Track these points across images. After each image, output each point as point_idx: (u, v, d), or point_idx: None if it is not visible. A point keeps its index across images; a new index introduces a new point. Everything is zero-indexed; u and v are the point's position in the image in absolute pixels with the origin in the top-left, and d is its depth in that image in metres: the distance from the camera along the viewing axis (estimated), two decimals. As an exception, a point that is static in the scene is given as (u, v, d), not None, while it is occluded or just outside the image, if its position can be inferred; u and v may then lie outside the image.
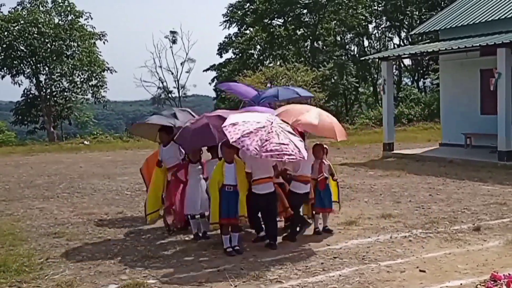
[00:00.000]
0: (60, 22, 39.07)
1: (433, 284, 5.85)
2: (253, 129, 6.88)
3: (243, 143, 6.74)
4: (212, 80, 51.31)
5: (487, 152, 16.32)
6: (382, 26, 49.23)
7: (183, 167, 8.09)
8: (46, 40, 37.44)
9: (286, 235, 7.86)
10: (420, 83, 46.91)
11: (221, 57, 50.16)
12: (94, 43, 40.21)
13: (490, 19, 17.61)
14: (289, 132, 7.17)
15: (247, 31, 48.86)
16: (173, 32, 51.98)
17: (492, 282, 5.62)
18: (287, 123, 7.58)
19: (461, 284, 5.82)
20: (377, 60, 27.79)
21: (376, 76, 46.27)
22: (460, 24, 18.66)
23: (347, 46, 50.73)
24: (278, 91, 10.00)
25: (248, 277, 6.19)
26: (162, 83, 52.59)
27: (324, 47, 47.02)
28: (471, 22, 18.22)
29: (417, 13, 44.88)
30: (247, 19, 46.76)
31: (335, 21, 45.86)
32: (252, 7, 46.12)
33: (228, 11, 47.99)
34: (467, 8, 19.42)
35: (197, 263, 6.82)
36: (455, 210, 9.61)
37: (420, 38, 34.83)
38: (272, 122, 7.13)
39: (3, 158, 19.87)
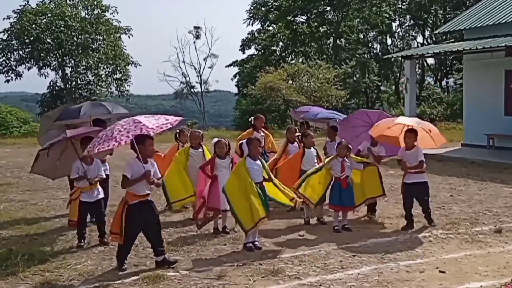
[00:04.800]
0: (86, 16, 39.65)
1: (453, 285, 5.83)
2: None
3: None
4: (234, 76, 51.45)
5: (510, 153, 16.13)
6: (405, 25, 48.82)
7: (210, 163, 8.01)
8: (73, 34, 38.04)
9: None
10: (443, 83, 46.40)
11: (243, 53, 50.28)
12: (119, 37, 40.71)
13: (516, 19, 17.38)
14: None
15: (270, 28, 48.80)
16: (196, 28, 52.27)
17: (512, 285, 5.59)
18: None
19: (481, 286, 5.79)
20: (400, 58, 27.56)
21: (398, 74, 45.85)
22: (485, 24, 18.43)
23: (370, 44, 50.38)
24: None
25: (267, 272, 6.24)
26: (185, 78, 52.98)
27: (347, 45, 46.75)
28: (497, 22, 17.99)
29: (441, 12, 44.38)
30: (270, 15, 46.73)
31: (358, 19, 45.58)
32: (276, 3, 46.07)
33: (252, 8, 47.99)
34: (493, 7, 19.17)
35: (217, 257, 6.90)
36: (476, 211, 9.53)
37: (444, 37, 34.45)
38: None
39: (29, 149, 20.17)
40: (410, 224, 8.32)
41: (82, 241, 7.48)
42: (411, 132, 8.18)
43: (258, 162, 7.18)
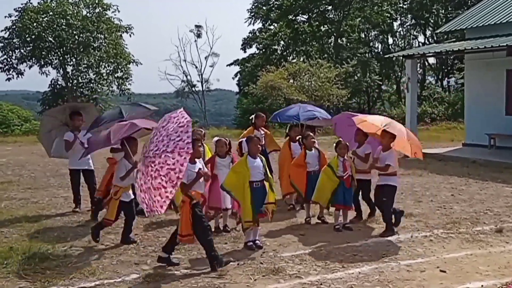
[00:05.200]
0: (88, 14, 39.71)
1: (454, 285, 5.84)
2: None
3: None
4: (236, 75, 51.48)
5: (511, 153, 16.11)
6: (407, 24, 48.82)
7: (210, 161, 7.99)
8: (74, 32, 38.09)
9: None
10: (444, 82, 46.36)
11: (244, 52, 50.29)
12: (121, 35, 40.77)
13: (518, 19, 17.35)
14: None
15: (271, 27, 48.83)
16: (198, 26, 52.20)
17: (513, 285, 5.59)
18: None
19: (482, 285, 5.80)
20: (401, 58, 27.52)
21: (399, 74, 45.84)
22: (486, 23, 18.41)
23: (371, 44, 50.38)
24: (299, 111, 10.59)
25: (267, 271, 6.24)
26: (186, 76, 52.91)
27: (348, 44, 46.74)
28: (498, 22, 17.96)
29: (443, 11, 44.36)
30: (271, 14, 46.72)
31: (359, 18, 45.57)
32: (277, 2, 46.07)
33: (253, 7, 47.98)
34: (494, 7, 19.14)
35: (218, 256, 6.89)
36: (477, 211, 9.52)
37: (445, 36, 34.42)
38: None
39: (30, 147, 20.20)
40: (396, 222, 8.17)
41: (98, 239, 7.49)
42: (388, 133, 7.82)
43: (258, 160, 7.17)
